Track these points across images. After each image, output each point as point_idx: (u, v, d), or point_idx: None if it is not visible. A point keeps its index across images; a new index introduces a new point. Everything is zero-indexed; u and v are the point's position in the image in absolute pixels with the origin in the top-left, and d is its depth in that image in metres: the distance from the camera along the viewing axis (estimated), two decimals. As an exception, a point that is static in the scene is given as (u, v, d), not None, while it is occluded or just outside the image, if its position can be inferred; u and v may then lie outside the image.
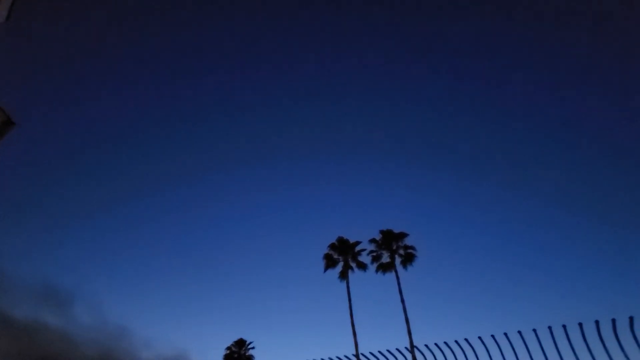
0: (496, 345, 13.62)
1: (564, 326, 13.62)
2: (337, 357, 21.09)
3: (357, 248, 34.79)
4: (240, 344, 40.93)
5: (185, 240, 65.42)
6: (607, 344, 12.71)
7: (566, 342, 13.45)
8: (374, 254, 33.73)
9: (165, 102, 66.05)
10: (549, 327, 12.90)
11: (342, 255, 35.05)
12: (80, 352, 40.27)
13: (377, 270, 33.04)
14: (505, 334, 13.90)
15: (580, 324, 12.67)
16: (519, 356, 13.45)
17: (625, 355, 11.72)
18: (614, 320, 12.50)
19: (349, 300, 32.51)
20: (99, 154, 66.66)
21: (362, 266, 34.04)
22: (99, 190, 65.56)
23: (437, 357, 15.90)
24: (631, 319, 12.20)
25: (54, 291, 46.45)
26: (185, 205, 69.12)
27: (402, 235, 33.34)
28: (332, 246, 35.36)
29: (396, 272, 31.95)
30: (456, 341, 14.49)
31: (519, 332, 13.65)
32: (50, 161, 62.88)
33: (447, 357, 15.39)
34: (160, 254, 65.92)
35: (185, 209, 67.48)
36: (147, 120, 66.96)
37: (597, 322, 13.19)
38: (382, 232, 33.89)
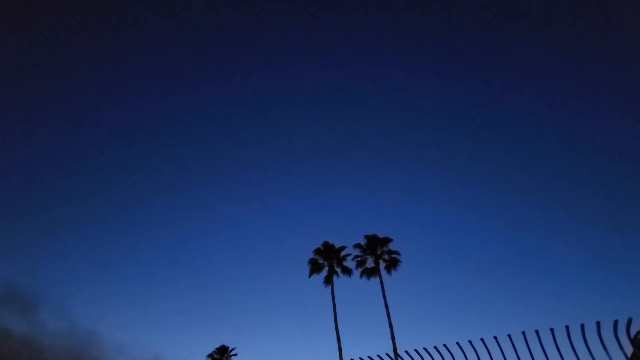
0: (474, 352, 13.30)
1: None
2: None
3: (342, 253, 34.50)
4: (223, 350, 39.87)
5: (161, 242, 63.84)
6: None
7: (541, 346, 13.20)
8: (359, 258, 33.46)
9: (141, 117, 64.55)
10: (523, 332, 12.74)
11: (327, 260, 34.68)
12: (47, 359, 38.33)
13: (361, 275, 32.81)
14: (482, 340, 13.59)
15: (551, 329, 12.51)
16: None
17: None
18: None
19: (334, 305, 32.15)
20: (69, 158, 64.83)
21: (347, 271, 33.75)
22: (65, 190, 63.62)
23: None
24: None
25: (18, 294, 44.16)
26: (164, 206, 67.72)
27: (387, 240, 33.17)
28: (317, 251, 35.00)
29: (380, 277, 31.79)
30: (435, 347, 14.13)
31: (495, 337, 13.37)
32: (16, 163, 60.78)
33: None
34: (133, 255, 64.08)
35: (164, 211, 65.97)
36: (123, 131, 65.48)
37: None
38: (367, 237, 33.67)
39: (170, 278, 61.70)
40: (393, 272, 32.14)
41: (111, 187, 65.33)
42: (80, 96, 63.91)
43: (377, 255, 33.09)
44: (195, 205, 66.33)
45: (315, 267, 34.08)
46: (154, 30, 60.16)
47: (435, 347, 14.13)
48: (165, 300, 58.63)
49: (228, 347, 39.82)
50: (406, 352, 16.40)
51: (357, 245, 33.60)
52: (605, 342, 12.23)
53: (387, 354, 19.49)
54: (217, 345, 39.92)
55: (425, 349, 14.48)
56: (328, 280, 33.31)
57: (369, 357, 19.40)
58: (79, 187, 64.59)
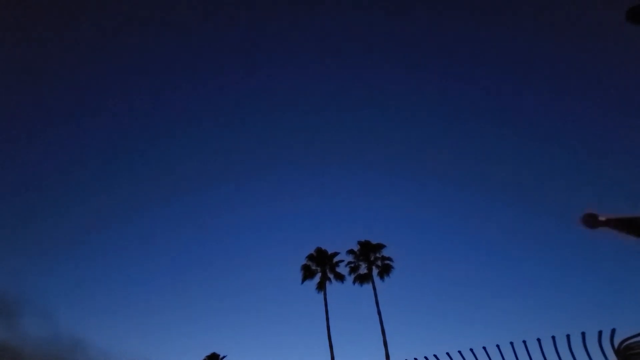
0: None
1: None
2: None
3: (335, 259, 34.60)
4: (213, 358, 39.64)
5: (150, 247, 62.66)
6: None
7: (540, 355, 13.47)
8: (352, 264, 33.63)
9: (127, 124, 62.98)
10: (511, 343, 13.01)
11: (320, 266, 34.75)
12: (29, 368, 36.92)
13: (354, 282, 32.96)
14: (471, 350, 13.81)
15: (538, 340, 12.82)
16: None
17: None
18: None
19: (326, 311, 32.19)
20: (55, 162, 63.43)
21: (340, 277, 33.86)
22: (48, 194, 62.22)
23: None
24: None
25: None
26: (152, 211, 66.94)
27: (380, 247, 33.39)
28: (310, 257, 35.04)
29: (373, 283, 31.97)
30: (426, 357, 14.36)
31: (484, 347, 13.64)
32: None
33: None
34: (120, 259, 62.76)
35: (152, 216, 64.92)
36: (111, 140, 64.15)
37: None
38: (360, 243, 33.87)
39: (159, 283, 60.77)
40: (386, 278, 32.42)
41: (96, 191, 64.31)
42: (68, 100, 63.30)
43: (370, 261, 33.30)
44: (185, 210, 65.75)
45: (308, 273, 34.15)
46: (160, 33, 59.44)
47: (425, 358, 14.37)
48: (153, 305, 57.64)
49: (219, 355, 39.55)
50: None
51: (350, 251, 33.80)
52: (591, 352, 12.60)
53: (378, 362, 19.55)
54: (208, 353, 39.67)
55: (416, 359, 14.74)
56: (321, 287, 33.37)
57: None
58: (63, 190, 63.42)
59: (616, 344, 12.32)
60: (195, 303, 57.23)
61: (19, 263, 52.70)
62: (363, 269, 33.25)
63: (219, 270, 59.82)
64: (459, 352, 13.88)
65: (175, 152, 65.31)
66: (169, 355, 56.13)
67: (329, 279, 33.71)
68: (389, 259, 33.10)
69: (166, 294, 59.59)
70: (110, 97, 63.50)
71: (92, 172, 63.33)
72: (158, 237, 62.88)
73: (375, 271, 32.77)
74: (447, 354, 14.05)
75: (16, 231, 57.63)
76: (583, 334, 12.49)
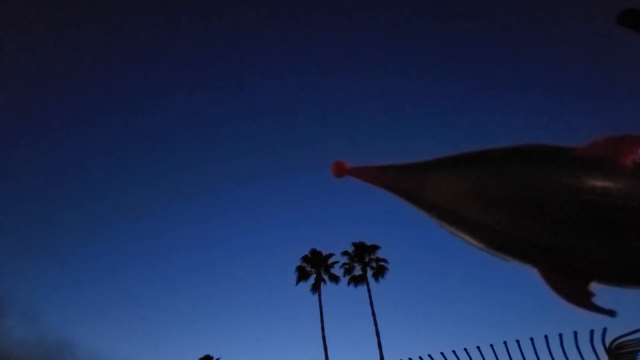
0: None
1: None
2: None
3: (330, 260, 34.65)
4: (207, 360, 39.37)
5: (141, 245, 61.88)
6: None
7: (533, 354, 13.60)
8: (347, 266, 33.70)
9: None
10: (504, 342, 13.17)
11: (314, 267, 34.80)
12: (13, 372, 35.93)
13: (349, 283, 33.05)
14: (465, 349, 13.94)
15: (531, 339, 13.00)
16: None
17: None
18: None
19: (321, 313, 32.21)
20: (45, 160, 62.12)
21: (335, 279, 33.92)
22: (34, 192, 60.95)
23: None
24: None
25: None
26: (144, 211, 66.37)
27: (374, 248, 33.51)
28: (304, 258, 35.07)
29: (368, 284, 32.04)
30: (420, 357, 14.45)
31: (478, 347, 13.74)
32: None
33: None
34: (110, 257, 61.69)
35: (143, 215, 64.21)
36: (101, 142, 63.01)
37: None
38: (354, 244, 33.97)
39: (151, 283, 60.10)
40: (380, 279, 32.55)
41: (84, 192, 63.33)
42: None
43: (365, 262, 33.40)
44: (177, 211, 65.33)
45: (302, 275, 34.17)
46: (169, 33, 58.53)
47: (420, 358, 14.48)
48: (145, 307, 56.80)
49: (212, 357, 39.33)
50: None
51: (345, 253, 33.89)
52: (582, 351, 12.78)
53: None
54: (201, 355, 39.38)
55: (410, 359, 14.85)
56: (315, 288, 33.41)
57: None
58: (50, 190, 62.18)
59: (607, 343, 12.50)
60: (188, 304, 56.86)
61: (4, 262, 51.63)
62: (358, 271, 33.38)
63: (213, 271, 59.46)
64: (453, 351, 14.02)
65: (168, 155, 65.00)
66: (161, 358, 55.65)
67: (324, 281, 33.77)
68: (384, 260, 33.24)
69: (158, 295, 58.98)
70: (106, 99, 63.11)
71: (82, 172, 62.67)
72: (150, 238, 62.39)
73: (369, 272, 32.88)
74: (442, 353, 14.18)
75: (1, 231, 56.55)
76: (575, 333, 12.67)
